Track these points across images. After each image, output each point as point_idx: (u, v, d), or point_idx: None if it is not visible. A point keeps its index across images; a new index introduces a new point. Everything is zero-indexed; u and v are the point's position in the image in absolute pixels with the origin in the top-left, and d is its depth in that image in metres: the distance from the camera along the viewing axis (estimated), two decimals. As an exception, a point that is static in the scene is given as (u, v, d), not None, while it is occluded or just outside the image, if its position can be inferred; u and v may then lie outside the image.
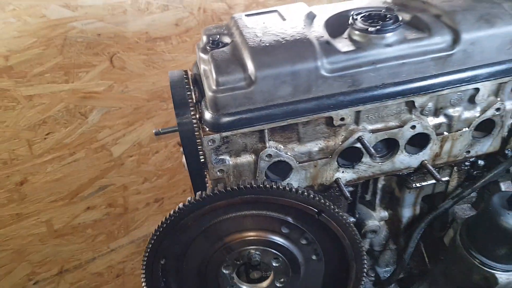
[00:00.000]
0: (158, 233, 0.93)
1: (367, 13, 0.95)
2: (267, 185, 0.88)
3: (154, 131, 0.97)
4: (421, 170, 1.10)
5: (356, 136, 0.96)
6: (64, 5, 1.49)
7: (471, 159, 1.13)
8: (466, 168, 1.16)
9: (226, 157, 0.95)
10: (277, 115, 0.88)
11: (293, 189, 0.89)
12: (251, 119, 0.88)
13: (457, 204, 1.18)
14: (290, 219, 0.97)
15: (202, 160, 0.94)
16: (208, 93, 0.87)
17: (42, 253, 1.89)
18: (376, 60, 0.88)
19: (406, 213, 1.22)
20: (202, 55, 0.94)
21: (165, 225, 0.92)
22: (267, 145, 0.94)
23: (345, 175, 1.05)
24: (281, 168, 1.00)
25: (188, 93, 0.93)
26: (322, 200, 0.91)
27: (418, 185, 1.14)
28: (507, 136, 1.11)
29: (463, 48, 0.91)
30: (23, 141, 1.63)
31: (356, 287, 1.05)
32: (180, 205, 0.91)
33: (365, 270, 1.02)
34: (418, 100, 0.95)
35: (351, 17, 0.94)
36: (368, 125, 0.98)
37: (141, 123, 1.85)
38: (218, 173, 0.95)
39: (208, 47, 0.94)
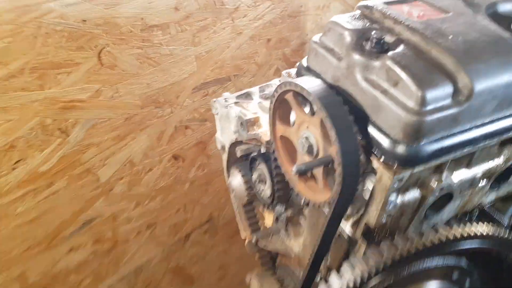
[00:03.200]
0: None
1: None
2: (473, 233, 0.67)
3: (295, 169, 0.68)
4: None
5: (519, 152, 0.80)
6: (41, -21, 1.04)
7: None
8: None
9: (394, 197, 0.71)
10: (475, 139, 0.67)
11: (497, 234, 0.70)
12: (450, 148, 0.65)
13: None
14: (463, 263, 0.78)
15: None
16: (400, 114, 0.62)
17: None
18: None
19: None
20: (360, 58, 0.67)
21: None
22: (443, 176, 0.72)
23: (487, 199, 0.89)
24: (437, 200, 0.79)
25: (348, 110, 0.66)
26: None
27: None
28: None
29: None
30: (-18, 176, 1.15)
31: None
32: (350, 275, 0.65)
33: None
34: None
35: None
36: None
37: (133, 136, 1.45)
38: (385, 218, 0.71)
39: (369, 48, 0.67)
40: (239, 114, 1.01)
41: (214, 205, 1.90)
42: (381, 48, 0.67)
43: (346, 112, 0.66)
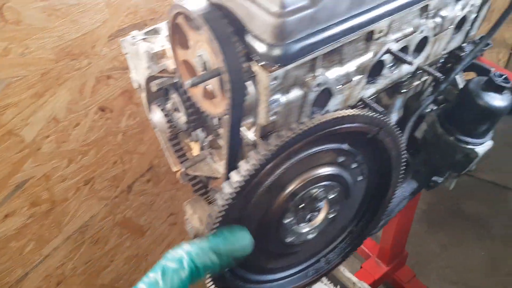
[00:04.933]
0: (227, 203, 0.79)
1: None
2: (341, 115, 0.81)
3: (188, 82, 0.77)
4: (414, 74, 1.18)
5: (385, 48, 0.95)
6: None
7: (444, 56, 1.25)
8: (440, 64, 1.29)
9: (278, 96, 0.83)
10: (335, 36, 0.80)
11: (362, 113, 0.85)
12: (314, 45, 0.77)
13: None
14: (345, 146, 0.93)
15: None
16: (266, 19, 0.72)
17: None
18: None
19: (394, 117, 1.30)
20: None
21: (234, 194, 0.78)
22: (317, 73, 0.85)
23: (367, 92, 1.04)
24: (318, 97, 0.93)
25: (228, 23, 0.76)
26: (383, 118, 0.90)
27: (407, 88, 1.22)
28: (468, 30, 1.25)
29: None
30: None
31: (392, 194, 1.10)
32: (247, 166, 0.78)
33: (402, 175, 1.07)
34: (433, 3, 0.98)
35: None
36: (392, 36, 0.97)
37: (52, 92, 1.46)
38: (273, 116, 0.84)
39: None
40: (147, 49, 1.07)
41: (152, 152, 1.96)
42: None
43: (226, 25, 0.75)
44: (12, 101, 1.36)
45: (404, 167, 1.08)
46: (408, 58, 0.94)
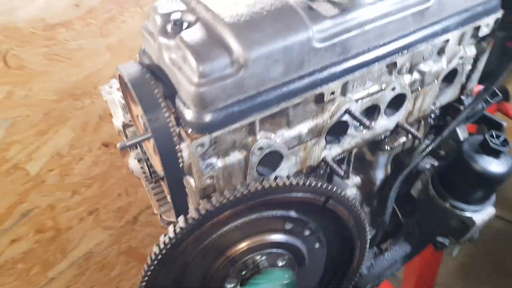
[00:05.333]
0: (150, 270, 0.77)
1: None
2: (276, 184, 0.76)
3: (118, 146, 0.78)
4: (395, 131, 1.09)
5: (343, 108, 0.89)
6: None
7: (436, 111, 1.15)
8: (431, 119, 1.19)
9: (214, 160, 0.80)
10: (271, 101, 0.76)
11: (301, 182, 0.79)
12: (245, 111, 0.74)
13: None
14: (293, 214, 0.88)
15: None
16: (188, 88, 0.71)
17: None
18: (364, 22, 0.80)
19: (379, 175, 1.21)
20: (164, 40, 0.76)
21: (158, 258, 0.76)
22: (258, 137, 0.82)
23: (331, 152, 0.98)
24: (270, 159, 0.89)
25: (156, 90, 0.75)
26: (329, 187, 0.84)
27: (391, 146, 1.13)
28: (464, 82, 1.14)
29: (438, -1, 0.88)
30: None
31: (360, 262, 1.02)
32: (171, 231, 0.76)
33: (368, 245, 0.99)
34: (400, 60, 0.91)
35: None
36: (353, 95, 0.91)
37: (56, 130, 1.55)
38: (208, 180, 0.81)
39: (170, 29, 0.76)
40: (119, 99, 1.10)
41: (158, 186, 2.00)
42: (180, 29, 0.76)
43: (152, 90, 0.75)
44: (17, 138, 1.46)
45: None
46: (367, 121, 0.87)
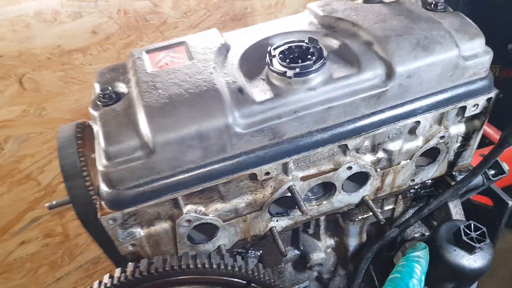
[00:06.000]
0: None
1: (286, 47, 0.80)
2: (188, 266, 0.75)
3: (47, 205, 0.82)
4: (363, 205, 1.01)
5: (286, 186, 0.85)
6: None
7: (416, 186, 1.05)
8: (411, 195, 1.08)
9: (137, 229, 0.81)
10: (188, 182, 0.75)
11: (217, 265, 0.77)
12: (158, 191, 0.74)
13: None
14: (218, 291, 0.85)
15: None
16: (99, 166, 0.72)
17: (-24, 296, 1.74)
18: (298, 108, 0.75)
19: (353, 242, 1.14)
20: (92, 111, 0.77)
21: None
22: (184, 210, 0.81)
23: (281, 223, 0.94)
24: (206, 227, 0.87)
25: (82, 158, 0.78)
26: (250, 270, 0.80)
27: (361, 217, 1.05)
28: (454, 159, 1.02)
29: (399, 83, 0.79)
30: None
31: None
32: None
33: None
34: (351, 143, 0.83)
35: (268, 53, 0.79)
36: (299, 173, 0.86)
37: (68, 146, 1.66)
38: (130, 247, 0.82)
39: (98, 102, 0.77)
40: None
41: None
42: (108, 102, 0.77)
43: (76, 158, 0.77)
44: (29, 152, 1.58)
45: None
46: (303, 206, 0.82)
